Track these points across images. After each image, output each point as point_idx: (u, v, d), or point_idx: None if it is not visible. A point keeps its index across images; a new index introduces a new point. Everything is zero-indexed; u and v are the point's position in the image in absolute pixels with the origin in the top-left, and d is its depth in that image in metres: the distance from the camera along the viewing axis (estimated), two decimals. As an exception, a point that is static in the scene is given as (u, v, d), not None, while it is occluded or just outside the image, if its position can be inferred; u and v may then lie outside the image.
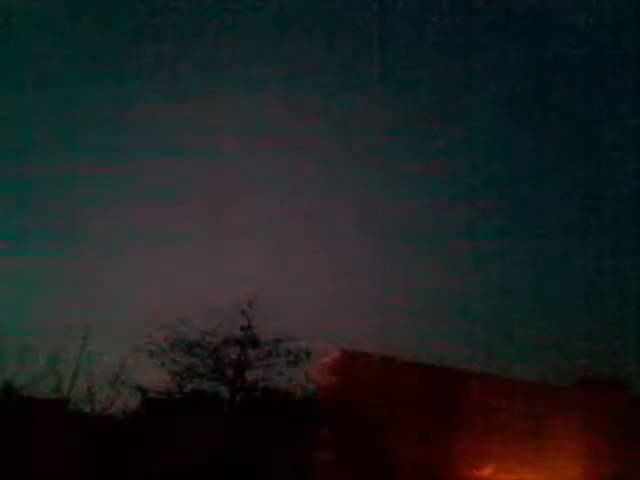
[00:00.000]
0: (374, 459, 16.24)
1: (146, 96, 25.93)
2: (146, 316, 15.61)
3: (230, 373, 16.60)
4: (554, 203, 27.01)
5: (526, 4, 25.88)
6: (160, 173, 26.29)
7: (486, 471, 17.59)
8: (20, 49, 24.90)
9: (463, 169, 27.67)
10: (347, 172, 27.19)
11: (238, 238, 24.75)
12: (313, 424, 16.17)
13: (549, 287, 25.43)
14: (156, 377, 16.09)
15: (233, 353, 16.68)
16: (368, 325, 20.24)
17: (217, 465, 15.13)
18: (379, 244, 25.54)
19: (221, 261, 24.40)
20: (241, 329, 16.55)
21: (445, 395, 17.56)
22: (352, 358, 17.44)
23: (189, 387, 16.52)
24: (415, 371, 17.76)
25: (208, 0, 25.77)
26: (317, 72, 25.92)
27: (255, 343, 16.63)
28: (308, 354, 16.66)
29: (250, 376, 16.73)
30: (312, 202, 26.98)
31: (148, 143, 26.35)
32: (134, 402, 15.94)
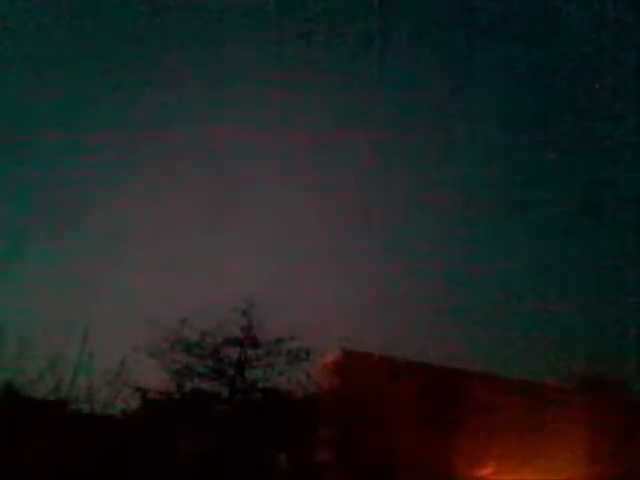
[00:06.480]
0: (374, 459, 16.24)
1: (146, 96, 25.95)
2: (146, 316, 15.62)
3: (230, 373, 16.60)
4: (554, 203, 26.99)
5: (526, 4, 25.88)
6: (160, 172, 26.30)
7: (486, 471, 17.59)
8: (20, 49, 24.89)
9: (463, 169, 27.66)
10: (347, 172, 27.19)
11: (238, 238, 24.74)
12: (313, 424, 16.17)
13: (549, 287, 25.42)
14: (156, 377, 16.09)
15: (233, 353, 16.69)
16: (368, 325, 20.25)
17: (217, 465, 15.13)
18: (379, 244, 25.54)
19: (221, 261, 24.40)
20: (241, 329, 16.56)
21: (445, 395, 17.56)
22: (352, 358, 17.44)
23: (189, 387, 16.52)
24: (415, 371, 17.76)
25: (208, 0, 25.78)
26: (317, 72, 25.91)
27: (255, 343, 16.62)
28: (308, 354, 16.66)
29: (250, 376, 16.74)
30: (312, 202, 26.98)
31: (148, 143, 26.35)
32: (134, 402, 15.94)
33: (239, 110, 26.11)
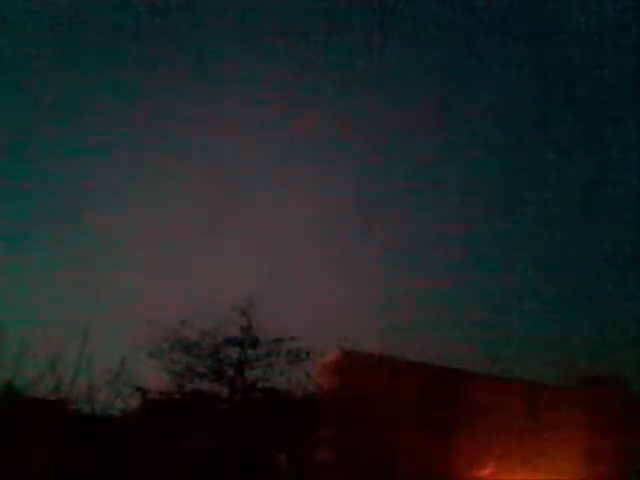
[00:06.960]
0: (374, 459, 16.24)
1: (145, 95, 25.97)
2: (146, 316, 15.62)
3: (230, 373, 16.57)
4: (554, 203, 27.01)
5: (526, 4, 25.90)
6: (160, 172, 26.32)
7: (486, 471, 17.60)
8: (20, 49, 24.89)
9: (463, 169, 27.69)
10: (348, 172, 27.22)
11: (238, 238, 24.78)
12: (313, 424, 16.16)
13: (549, 286, 25.44)
14: (156, 377, 16.07)
15: (233, 353, 16.67)
16: (368, 325, 20.27)
17: (217, 465, 15.12)
18: (379, 244, 25.56)
19: (221, 261, 24.43)
20: (241, 329, 16.53)
21: (445, 395, 17.57)
22: (352, 358, 17.44)
23: (189, 387, 16.50)
24: (415, 371, 17.76)
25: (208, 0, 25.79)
26: (317, 72, 25.92)
27: (255, 343, 16.60)
28: (308, 354, 16.63)
29: (250, 376, 16.71)
30: (312, 202, 27.00)
31: (147, 142, 26.36)
32: (134, 402, 15.91)
33: (239, 110, 26.13)
